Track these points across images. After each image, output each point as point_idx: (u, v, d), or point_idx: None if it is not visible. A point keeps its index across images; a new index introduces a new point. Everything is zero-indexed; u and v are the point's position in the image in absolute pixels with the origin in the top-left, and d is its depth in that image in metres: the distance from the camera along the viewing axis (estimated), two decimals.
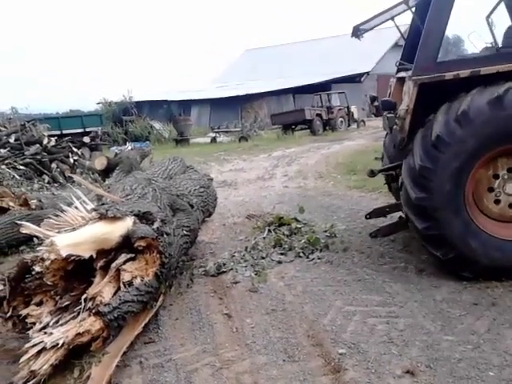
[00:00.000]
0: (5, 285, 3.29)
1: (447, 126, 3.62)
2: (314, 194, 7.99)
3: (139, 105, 27.99)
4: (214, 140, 21.52)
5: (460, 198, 3.70)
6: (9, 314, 3.27)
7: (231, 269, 4.56)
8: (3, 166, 9.48)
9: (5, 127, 11.84)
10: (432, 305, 3.50)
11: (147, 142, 21.30)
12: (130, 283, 3.37)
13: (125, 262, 3.48)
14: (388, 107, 4.44)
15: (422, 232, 3.82)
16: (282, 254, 4.84)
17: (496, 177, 3.82)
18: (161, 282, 3.62)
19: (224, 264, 4.65)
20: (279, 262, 4.65)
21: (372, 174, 4.83)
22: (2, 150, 10.45)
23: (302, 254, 4.79)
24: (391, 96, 4.63)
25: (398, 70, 4.82)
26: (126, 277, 3.40)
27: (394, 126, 4.18)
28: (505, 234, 3.78)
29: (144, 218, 3.80)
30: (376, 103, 4.87)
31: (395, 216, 5.01)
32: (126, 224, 3.60)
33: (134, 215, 3.71)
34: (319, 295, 3.83)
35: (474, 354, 2.85)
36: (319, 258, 4.65)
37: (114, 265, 3.43)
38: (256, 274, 4.37)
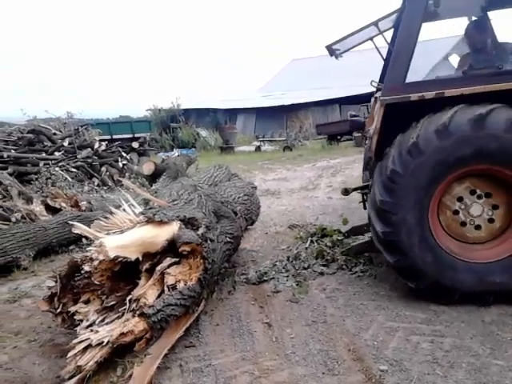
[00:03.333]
0: (56, 282, 3.43)
1: (400, 158, 3.61)
2: (359, 206, 7.85)
3: (187, 112, 28.59)
4: (258, 149, 21.63)
5: (425, 228, 3.66)
6: (59, 310, 3.41)
7: (272, 278, 4.56)
8: (57, 168, 9.90)
9: (60, 131, 12.36)
10: (480, 326, 3.36)
11: (193, 148, 21.68)
12: (174, 287, 3.44)
13: (169, 266, 3.55)
14: (356, 127, 4.50)
15: (394, 265, 3.82)
16: (324, 265, 4.79)
17: (460, 199, 3.77)
18: (203, 288, 3.67)
19: (265, 273, 4.65)
20: (321, 274, 4.60)
21: (346, 192, 4.91)
22: (57, 153, 10.91)
23: (344, 267, 4.72)
24: (370, 115, 4.61)
25: (377, 90, 4.74)
26: (169, 280, 3.47)
27: (364, 146, 4.17)
28: (473, 256, 3.71)
29: (189, 223, 3.87)
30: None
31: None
32: (172, 229, 3.68)
33: (180, 220, 3.79)
34: (361, 309, 3.76)
35: None
36: (362, 272, 4.57)
37: (158, 268, 3.51)
38: (297, 285, 4.35)
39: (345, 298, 4.02)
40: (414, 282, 3.78)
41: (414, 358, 3.01)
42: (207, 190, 5.33)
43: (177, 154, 15.87)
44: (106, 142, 12.92)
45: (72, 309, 3.41)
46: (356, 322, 3.57)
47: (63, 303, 3.44)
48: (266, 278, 4.55)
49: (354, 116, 4.81)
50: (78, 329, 3.24)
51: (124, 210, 3.93)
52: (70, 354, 2.92)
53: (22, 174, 9.49)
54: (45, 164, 10.04)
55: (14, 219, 6.77)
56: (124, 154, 12.64)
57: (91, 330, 3.11)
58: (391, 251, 3.76)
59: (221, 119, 28.82)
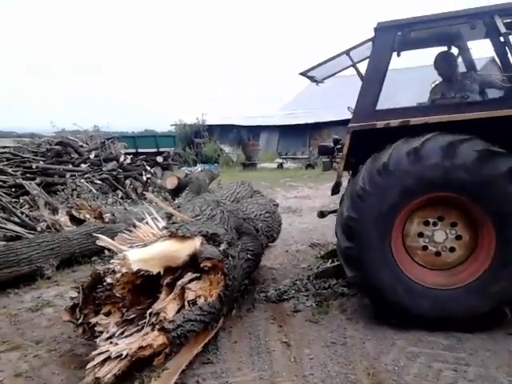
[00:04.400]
0: (79, 292, 3.48)
1: (370, 177, 3.67)
2: None
3: (211, 128, 28.89)
4: (280, 166, 21.67)
5: (386, 248, 3.69)
6: (80, 321, 3.45)
7: (292, 297, 4.53)
8: (82, 180, 10.10)
9: (87, 144, 12.64)
10: (507, 356, 3.25)
11: (216, 164, 21.85)
12: (194, 302, 3.44)
13: (190, 281, 3.56)
14: (325, 152, 4.61)
15: (352, 280, 3.88)
16: (344, 286, 4.74)
17: (426, 223, 3.80)
18: (223, 304, 3.66)
19: (285, 291, 4.63)
20: (342, 295, 4.54)
21: (322, 215, 4.95)
22: (83, 165, 11.14)
23: None
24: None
25: None
26: (190, 295, 3.48)
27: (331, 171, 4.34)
28: (433, 281, 3.72)
29: (211, 239, 3.89)
30: (339, 146, 4.81)
31: None
32: (194, 244, 3.70)
33: (202, 236, 3.81)
34: (382, 332, 3.70)
35: None
36: None
37: (179, 283, 3.52)
38: (317, 305, 4.30)
39: (365, 320, 3.96)
40: (369, 298, 3.89)
41: None
42: (230, 206, 5.35)
43: (200, 169, 16.01)
44: (131, 156, 13.12)
45: (93, 320, 3.44)
46: (376, 345, 3.50)
47: (84, 314, 3.48)
48: (285, 297, 4.52)
49: (338, 140, 4.83)
50: (97, 340, 3.26)
51: (147, 223, 3.98)
52: (89, 365, 2.94)
53: (48, 185, 9.72)
54: (71, 175, 10.26)
55: (39, 229, 6.92)
56: (148, 168, 12.82)
57: (111, 342, 3.13)
58: (351, 266, 3.82)
59: (244, 136, 29.01)
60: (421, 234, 3.81)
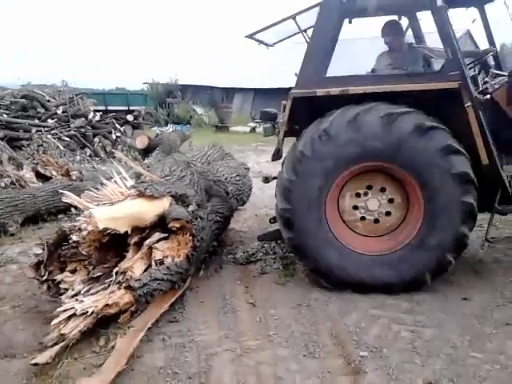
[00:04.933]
0: (44, 249, 3.43)
1: (310, 142, 3.71)
2: None
3: (184, 88, 28.24)
4: (253, 130, 21.50)
5: (321, 212, 3.78)
6: (45, 278, 3.41)
7: (260, 259, 4.59)
8: (49, 136, 9.79)
9: (54, 99, 12.19)
10: (461, 319, 3.41)
11: (188, 125, 21.52)
12: (161, 262, 3.45)
13: (158, 241, 3.56)
14: (267, 118, 4.61)
15: (287, 242, 3.96)
16: None
17: (358, 195, 3.90)
18: (191, 264, 3.69)
19: (253, 254, 4.68)
20: None
21: (266, 180, 5.06)
22: (50, 121, 10.77)
23: None
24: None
25: None
26: (157, 255, 3.48)
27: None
28: (362, 247, 3.85)
29: (180, 199, 3.86)
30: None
31: None
32: (163, 204, 3.67)
33: (171, 196, 3.78)
34: (345, 295, 3.79)
35: (501, 374, 2.76)
36: None
37: (147, 242, 3.51)
38: (284, 268, 4.37)
39: None
40: (302, 261, 3.97)
41: (394, 346, 3.06)
42: (200, 167, 5.31)
43: (171, 130, 15.76)
44: (101, 113, 12.76)
45: (58, 277, 3.42)
46: (339, 307, 3.61)
47: (49, 271, 3.45)
48: (253, 259, 4.58)
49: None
50: (63, 297, 3.25)
51: (115, 182, 3.90)
52: (54, 321, 2.93)
53: (13, 140, 9.36)
54: (37, 131, 9.91)
55: (3, 184, 6.73)
56: (118, 126, 12.51)
57: (76, 300, 3.12)
58: (288, 227, 3.89)
59: (217, 97, 28.54)
60: (355, 207, 3.91)
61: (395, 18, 4.75)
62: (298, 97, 3.89)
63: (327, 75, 3.91)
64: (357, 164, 3.70)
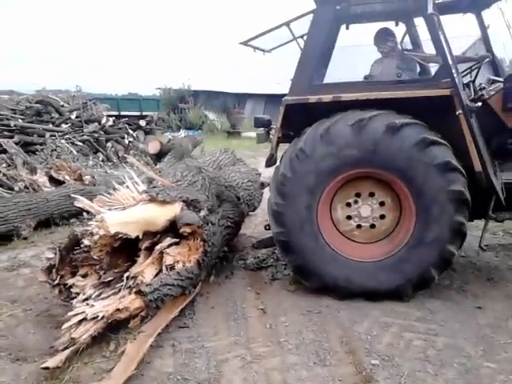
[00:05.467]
0: (55, 253, 3.45)
1: (289, 162, 3.74)
2: None
3: (196, 93, 28.37)
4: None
5: (314, 229, 3.77)
6: (56, 282, 3.43)
7: (270, 265, 4.57)
8: (63, 141, 9.89)
9: (68, 104, 12.34)
10: (475, 328, 3.35)
11: (200, 130, 21.61)
12: (172, 267, 3.45)
13: (169, 246, 3.56)
14: (260, 124, 4.60)
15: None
16: None
17: (348, 205, 3.89)
18: (201, 270, 3.68)
19: (264, 260, 4.66)
20: None
21: (262, 186, 5.10)
22: (64, 126, 10.89)
23: None
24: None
25: None
26: (168, 260, 3.48)
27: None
28: (361, 255, 3.82)
29: (191, 205, 3.87)
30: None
31: None
32: (174, 209, 3.68)
33: (183, 201, 3.78)
34: (356, 302, 3.76)
35: None
36: None
37: (158, 247, 3.52)
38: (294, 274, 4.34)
39: None
40: (307, 281, 3.90)
41: (405, 355, 3.01)
42: (211, 173, 5.31)
43: (183, 135, 15.80)
44: (114, 118, 12.89)
45: (69, 281, 3.44)
46: (350, 314, 3.57)
47: (61, 275, 3.47)
48: (264, 265, 4.56)
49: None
50: (74, 302, 3.27)
51: (127, 187, 3.93)
52: (65, 325, 2.95)
53: (27, 144, 9.50)
54: (51, 135, 10.03)
55: (17, 188, 6.80)
56: (130, 131, 12.62)
57: (87, 304, 3.13)
58: (285, 251, 3.89)
59: (230, 103, 28.62)
60: (349, 217, 3.91)
61: (392, 24, 4.73)
62: (290, 103, 3.90)
63: (323, 82, 3.94)
64: (338, 175, 3.71)
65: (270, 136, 4.41)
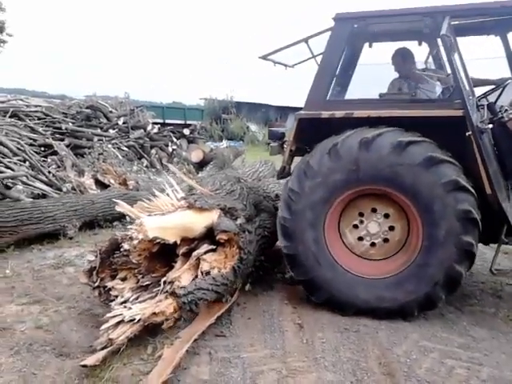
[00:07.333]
0: (96, 256, 3.53)
1: (298, 178, 3.79)
2: None
3: (239, 105, 28.74)
4: None
5: (321, 244, 3.77)
6: (96, 284, 3.51)
7: None
8: (109, 145, 10.18)
9: (116, 110, 12.71)
10: None
11: (241, 141, 21.81)
12: (208, 273, 3.46)
13: (205, 252, 3.58)
14: (275, 137, 4.64)
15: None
16: None
17: (355, 226, 3.88)
18: (237, 277, 3.67)
19: None
20: None
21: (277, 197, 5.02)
22: (111, 131, 11.22)
23: None
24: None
25: None
26: (204, 266, 3.49)
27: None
28: (369, 272, 3.77)
29: (229, 212, 3.89)
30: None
31: None
32: (212, 216, 3.70)
33: (220, 209, 3.81)
34: (396, 324, 3.64)
35: None
36: None
37: (195, 253, 3.54)
38: None
39: None
40: (313, 295, 3.87)
41: (446, 382, 2.88)
42: (250, 183, 5.33)
43: (225, 145, 15.98)
44: (159, 126, 13.17)
45: (109, 284, 3.50)
46: (389, 335, 3.46)
47: (101, 278, 3.54)
48: None
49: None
50: (112, 304, 3.32)
51: (167, 194, 3.98)
52: (104, 326, 3.00)
53: (76, 147, 9.81)
54: (98, 140, 10.34)
55: (64, 189, 7.04)
56: (174, 139, 12.85)
57: (125, 307, 3.18)
58: (292, 265, 3.89)
59: (272, 116, 28.78)
60: (360, 238, 3.87)
61: (414, 43, 4.69)
62: (303, 118, 3.95)
63: (341, 98, 3.98)
64: (344, 192, 3.71)
65: (284, 149, 4.42)
